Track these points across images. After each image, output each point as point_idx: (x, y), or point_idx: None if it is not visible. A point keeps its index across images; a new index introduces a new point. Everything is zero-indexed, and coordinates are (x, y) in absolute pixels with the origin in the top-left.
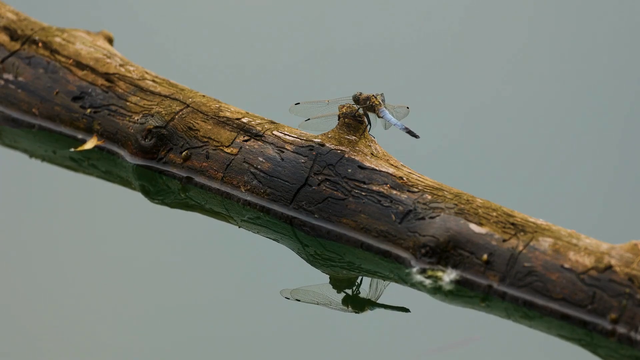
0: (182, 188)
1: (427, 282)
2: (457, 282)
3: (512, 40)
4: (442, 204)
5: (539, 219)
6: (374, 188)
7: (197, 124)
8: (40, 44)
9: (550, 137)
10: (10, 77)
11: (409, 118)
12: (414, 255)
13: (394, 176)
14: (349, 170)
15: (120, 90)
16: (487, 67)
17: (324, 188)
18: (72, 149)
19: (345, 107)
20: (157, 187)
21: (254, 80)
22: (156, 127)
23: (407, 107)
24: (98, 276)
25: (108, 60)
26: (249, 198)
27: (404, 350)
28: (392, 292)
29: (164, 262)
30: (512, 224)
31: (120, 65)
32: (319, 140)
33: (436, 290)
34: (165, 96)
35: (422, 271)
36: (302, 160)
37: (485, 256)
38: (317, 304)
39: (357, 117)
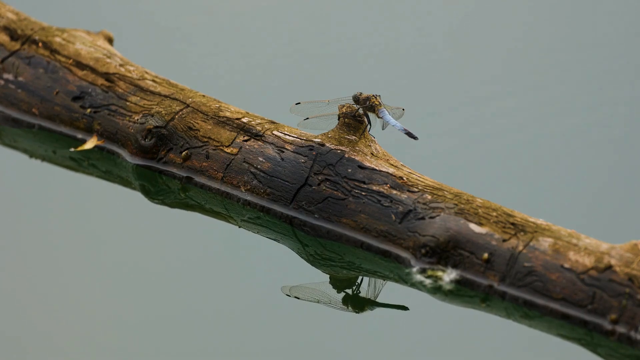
0: (182, 188)
1: (427, 281)
2: (457, 282)
3: (512, 40)
4: (442, 204)
5: (539, 219)
6: (374, 188)
7: (197, 124)
8: (40, 44)
9: (550, 137)
10: (10, 77)
11: (409, 119)
12: (414, 255)
13: (394, 176)
14: (349, 170)
15: (120, 90)
16: (487, 67)
17: (324, 188)
18: (72, 149)
19: (345, 107)
20: (157, 187)
21: (254, 80)
22: (156, 127)
23: (403, 109)
24: (98, 276)
25: (108, 60)
26: (249, 198)
27: (404, 350)
28: (392, 291)
29: (163, 262)
30: (512, 224)
31: (120, 65)
32: (319, 140)
33: (436, 290)
34: (165, 96)
35: (422, 271)
36: (302, 160)
37: (485, 256)
38: (318, 302)
39: (357, 117)
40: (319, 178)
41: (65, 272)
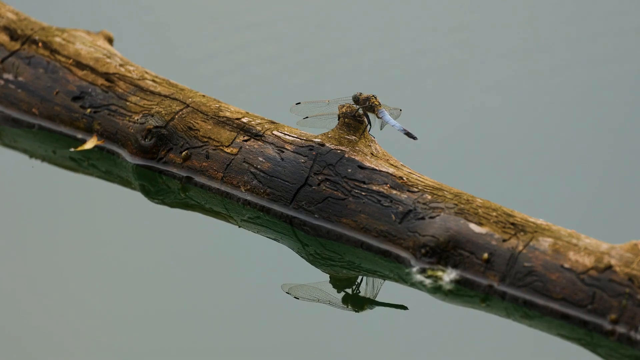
0: (182, 188)
1: (427, 281)
2: (457, 282)
3: (512, 40)
4: (442, 203)
5: (539, 219)
6: (374, 188)
7: (197, 123)
8: (40, 44)
9: (550, 137)
10: (10, 77)
11: (408, 119)
12: (413, 255)
13: (394, 176)
14: (349, 170)
15: (120, 90)
16: (487, 66)
17: (324, 188)
18: (72, 149)
19: (345, 107)
20: (157, 187)
21: (254, 80)
22: (156, 127)
23: (400, 110)
24: (98, 276)
25: (108, 60)
26: (249, 198)
27: (404, 350)
28: (392, 291)
29: (164, 262)
30: (512, 224)
31: (120, 65)
32: (319, 140)
33: (436, 290)
34: (165, 96)
35: (422, 271)
36: (302, 160)
37: (485, 256)
38: (318, 301)
39: (357, 117)
40: (319, 178)
41: (65, 272)
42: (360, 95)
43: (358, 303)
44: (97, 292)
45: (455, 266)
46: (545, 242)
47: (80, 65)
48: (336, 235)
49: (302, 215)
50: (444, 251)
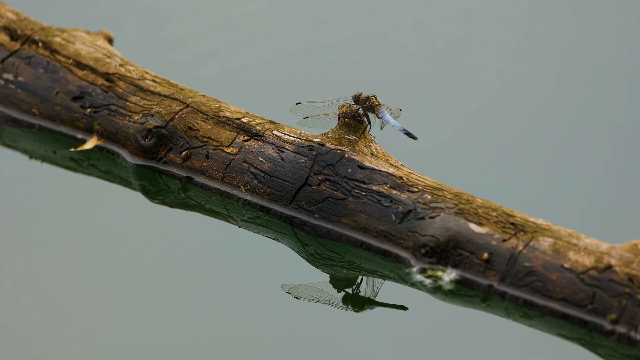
0: (182, 188)
1: (427, 281)
2: (457, 282)
3: (512, 39)
4: (442, 203)
5: (539, 219)
6: (374, 188)
7: (197, 123)
8: (40, 44)
9: (550, 137)
10: (10, 77)
11: (408, 119)
12: (413, 255)
13: (394, 176)
14: (349, 170)
15: (120, 90)
16: (487, 66)
17: (324, 188)
18: (72, 149)
19: (345, 107)
20: (157, 187)
21: (254, 80)
22: (156, 127)
23: (400, 110)
24: (98, 276)
25: (108, 60)
26: (249, 198)
27: (404, 350)
28: (392, 291)
29: (164, 262)
30: (512, 223)
31: (120, 65)
32: (319, 140)
33: (436, 290)
34: (165, 96)
35: (422, 271)
36: (302, 160)
37: (485, 256)
38: (317, 301)
39: (357, 117)
40: (319, 178)
41: (65, 272)
42: (360, 95)
43: (358, 303)
44: (97, 292)
45: (455, 266)
46: (545, 242)
47: (80, 65)
48: (336, 235)
49: (302, 215)
50: (444, 251)
